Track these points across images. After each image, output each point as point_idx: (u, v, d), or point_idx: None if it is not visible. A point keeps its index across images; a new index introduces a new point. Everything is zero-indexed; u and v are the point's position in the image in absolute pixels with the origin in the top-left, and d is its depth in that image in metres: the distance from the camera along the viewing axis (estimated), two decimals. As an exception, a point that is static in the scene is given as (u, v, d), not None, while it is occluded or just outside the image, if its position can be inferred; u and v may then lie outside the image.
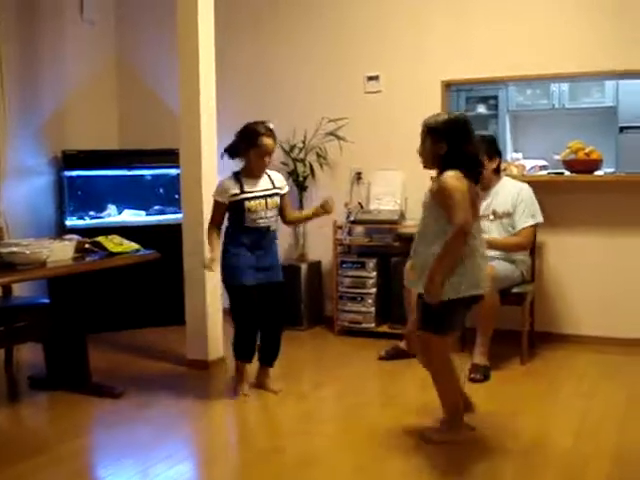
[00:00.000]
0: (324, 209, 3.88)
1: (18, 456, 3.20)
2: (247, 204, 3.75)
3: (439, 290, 3.06)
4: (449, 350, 3.27)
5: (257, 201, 3.77)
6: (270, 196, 3.82)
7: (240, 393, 3.91)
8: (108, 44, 6.03)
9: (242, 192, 3.76)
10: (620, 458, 3.09)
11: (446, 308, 3.10)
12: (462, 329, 3.79)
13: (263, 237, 3.83)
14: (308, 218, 4.23)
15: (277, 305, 3.93)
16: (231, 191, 3.76)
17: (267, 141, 3.72)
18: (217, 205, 3.84)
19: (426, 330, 3.19)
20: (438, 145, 3.12)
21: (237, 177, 3.81)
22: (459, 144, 3.11)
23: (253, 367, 4.02)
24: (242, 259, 3.78)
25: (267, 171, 3.88)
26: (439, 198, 3.09)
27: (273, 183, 3.87)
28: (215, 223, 3.85)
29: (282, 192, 3.92)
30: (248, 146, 3.74)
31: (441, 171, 3.13)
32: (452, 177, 3.06)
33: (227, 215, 3.87)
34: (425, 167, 3.26)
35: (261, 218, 3.78)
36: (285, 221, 4.03)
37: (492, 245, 4.40)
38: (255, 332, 3.90)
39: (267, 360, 4.03)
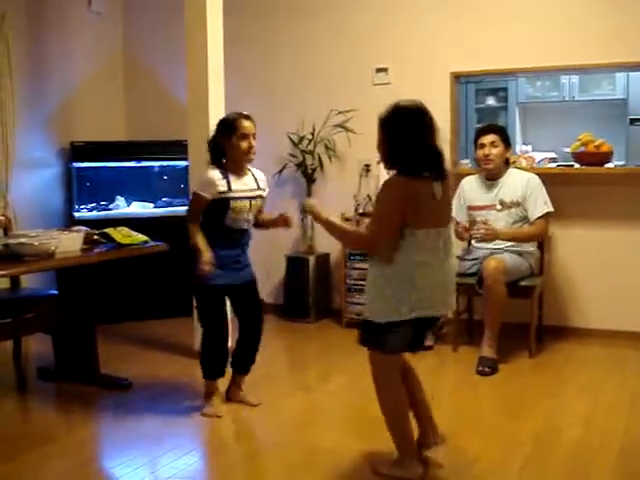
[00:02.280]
0: (285, 223, 3.63)
1: (26, 447, 3.22)
2: (233, 204, 3.47)
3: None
4: (395, 370, 2.87)
5: (243, 202, 3.50)
6: (254, 198, 3.56)
7: (212, 414, 3.57)
8: (116, 35, 6.03)
9: (230, 190, 3.46)
10: (626, 450, 3.08)
11: (385, 328, 2.75)
12: (423, 348, 3.27)
13: (239, 238, 3.56)
14: (269, 225, 3.74)
15: (253, 303, 3.68)
16: (219, 187, 3.44)
17: (245, 123, 3.50)
18: (199, 199, 3.46)
19: (365, 346, 2.87)
20: (384, 138, 2.71)
21: (223, 172, 3.49)
22: (403, 136, 2.65)
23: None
24: (216, 259, 3.46)
25: (250, 168, 3.63)
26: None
27: (258, 183, 3.61)
28: (196, 220, 3.49)
29: (264, 194, 3.66)
30: (228, 134, 3.50)
31: (394, 169, 2.73)
32: (387, 184, 2.71)
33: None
34: (385, 167, 2.81)
35: (242, 220, 3.53)
36: (254, 223, 3.66)
37: (507, 237, 4.39)
38: (226, 339, 3.63)
39: (243, 367, 3.72)
